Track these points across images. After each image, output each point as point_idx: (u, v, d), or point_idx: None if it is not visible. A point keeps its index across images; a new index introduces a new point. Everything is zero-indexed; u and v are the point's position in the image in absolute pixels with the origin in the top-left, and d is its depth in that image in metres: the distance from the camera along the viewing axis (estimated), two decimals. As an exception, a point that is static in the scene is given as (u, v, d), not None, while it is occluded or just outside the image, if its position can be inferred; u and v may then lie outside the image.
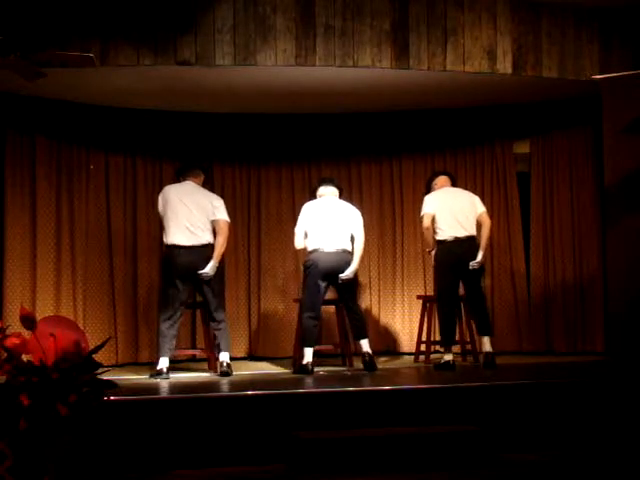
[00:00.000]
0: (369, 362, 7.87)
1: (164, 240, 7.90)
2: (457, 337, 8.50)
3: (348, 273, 7.97)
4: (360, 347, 8.01)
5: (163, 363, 7.67)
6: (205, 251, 7.79)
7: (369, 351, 7.93)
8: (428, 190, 8.45)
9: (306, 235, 8.04)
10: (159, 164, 9.30)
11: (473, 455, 6.01)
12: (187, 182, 7.99)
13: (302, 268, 8.28)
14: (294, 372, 7.94)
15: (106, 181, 9.05)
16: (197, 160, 8.64)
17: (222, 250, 7.86)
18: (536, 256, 9.56)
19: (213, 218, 7.87)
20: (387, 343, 9.68)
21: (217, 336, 7.88)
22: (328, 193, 8.24)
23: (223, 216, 7.91)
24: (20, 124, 8.46)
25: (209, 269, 7.74)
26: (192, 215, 7.78)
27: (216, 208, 7.90)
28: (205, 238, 7.80)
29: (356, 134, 9.65)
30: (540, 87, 8.47)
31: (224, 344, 7.84)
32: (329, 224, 8.02)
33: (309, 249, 8.02)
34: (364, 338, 7.98)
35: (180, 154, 9.21)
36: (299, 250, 8.35)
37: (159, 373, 7.61)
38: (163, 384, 7.32)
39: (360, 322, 8.08)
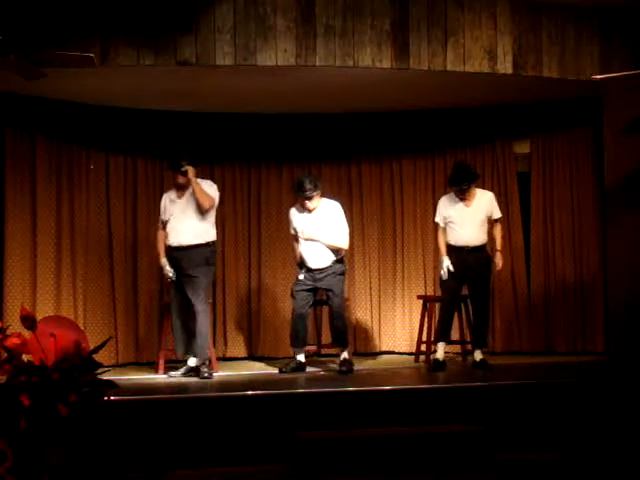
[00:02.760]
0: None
1: (209, 237, 7.83)
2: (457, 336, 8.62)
3: None
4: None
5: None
6: None
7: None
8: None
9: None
10: (159, 164, 9.30)
11: (473, 455, 6.01)
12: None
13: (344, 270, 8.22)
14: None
15: (106, 181, 9.05)
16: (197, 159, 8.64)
17: None
18: (536, 256, 9.56)
19: None
20: (387, 343, 9.69)
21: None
22: None
23: None
24: (20, 124, 8.46)
25: None
26: None
27: None
28: None
29: (356, 134, 9.65)
30: (540, 87, 8.47)
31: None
32: None
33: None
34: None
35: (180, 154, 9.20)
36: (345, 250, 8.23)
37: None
38: (163, 384, 7.32)
39: None
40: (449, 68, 7.62)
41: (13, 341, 5.13)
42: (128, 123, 9.05)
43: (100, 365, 5.29)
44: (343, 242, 8.09)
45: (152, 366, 8.32)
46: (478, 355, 8.12)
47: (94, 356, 5.30)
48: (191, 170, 7.78)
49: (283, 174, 9.70)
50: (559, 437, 6.42)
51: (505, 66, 7.73)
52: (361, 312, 9.68)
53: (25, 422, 4.93)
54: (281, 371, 7.93)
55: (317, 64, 7.37)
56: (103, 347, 5.45)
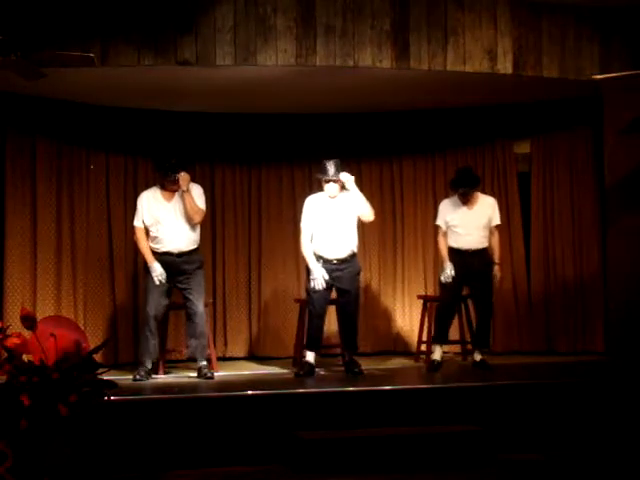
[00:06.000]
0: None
1: (199, 239, 7.89)
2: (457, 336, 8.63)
3: None
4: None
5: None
6: None
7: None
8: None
9: None
10: (159, 164, 9.29)
11: (473, 455, 6.02)
12: None
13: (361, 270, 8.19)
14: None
15: (106, 181, 9.05)
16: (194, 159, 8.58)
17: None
18: (536, 256, 9.56)
19: None
20: (387, 343, 9.68)
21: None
22: None
23: None
24: (20, 124, 8.46)
25: None
26: None
27: None
28: None
29: (356, 134, 9.64)
30: (540, 87, 8.47)
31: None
32: None
33: None
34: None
35: (180, 154, 9.20)
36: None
37: None
38: (163, 384, 7.32)
39: None
40: (449, 68, 7.62)
41: (13, 341, 5.13)
42: (128, 123, 9.05)
43: (100, 365, 5.29)
44: (371, 211, 7.87)
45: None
46: (478, 355, 8.12)
47: (94, 356, 5.30)
48: (185, 179, 7.63)
49: (283, 175, 9.70)
50: (559, 437, 6.42)
51: (505, 66, 7.73)
52: (361, 312, 9.65)
53: (25, 422, 4.93)
54: (298, 375, 7.67)
55: (317, 64, 7.38)
56: (103, 347, 5.45)
